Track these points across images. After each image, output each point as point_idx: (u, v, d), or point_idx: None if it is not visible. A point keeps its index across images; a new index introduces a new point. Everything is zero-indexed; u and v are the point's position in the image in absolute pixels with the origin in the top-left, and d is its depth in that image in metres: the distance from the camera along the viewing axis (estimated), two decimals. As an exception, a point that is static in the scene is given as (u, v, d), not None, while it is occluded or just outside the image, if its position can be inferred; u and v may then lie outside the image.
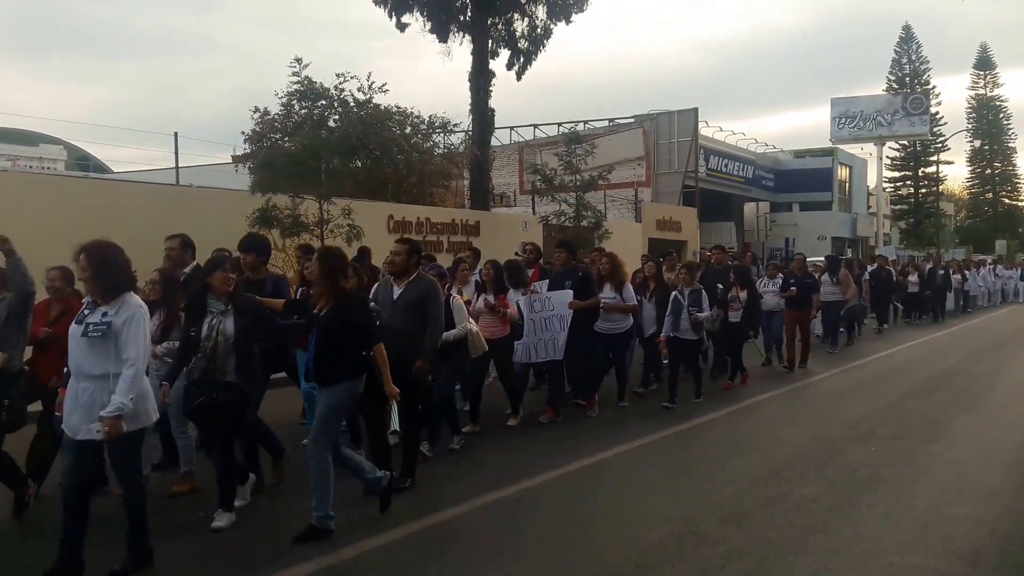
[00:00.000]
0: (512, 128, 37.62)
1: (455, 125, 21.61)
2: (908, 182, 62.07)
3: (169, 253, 7.46)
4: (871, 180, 56.27)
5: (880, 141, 52.93)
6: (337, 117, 15.46)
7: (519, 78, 25.02)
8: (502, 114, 28.69)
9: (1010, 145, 72.37)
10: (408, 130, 18.93)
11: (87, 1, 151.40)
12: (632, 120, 37.61)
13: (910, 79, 59.84)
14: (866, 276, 20.49)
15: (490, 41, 24.16)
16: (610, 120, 38.14)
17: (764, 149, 49.46)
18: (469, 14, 23.91)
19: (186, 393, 5.97)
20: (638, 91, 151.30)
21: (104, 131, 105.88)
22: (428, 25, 24.14)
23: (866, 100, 53.72)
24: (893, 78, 60.56)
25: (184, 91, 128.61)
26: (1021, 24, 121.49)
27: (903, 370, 14.29)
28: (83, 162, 33.26)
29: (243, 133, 15.44)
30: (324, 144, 14.21)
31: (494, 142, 28.85)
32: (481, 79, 23.71)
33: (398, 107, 18.78)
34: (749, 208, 48.52)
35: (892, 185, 62.00)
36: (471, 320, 8.56)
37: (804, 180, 50.33)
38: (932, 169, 60.12)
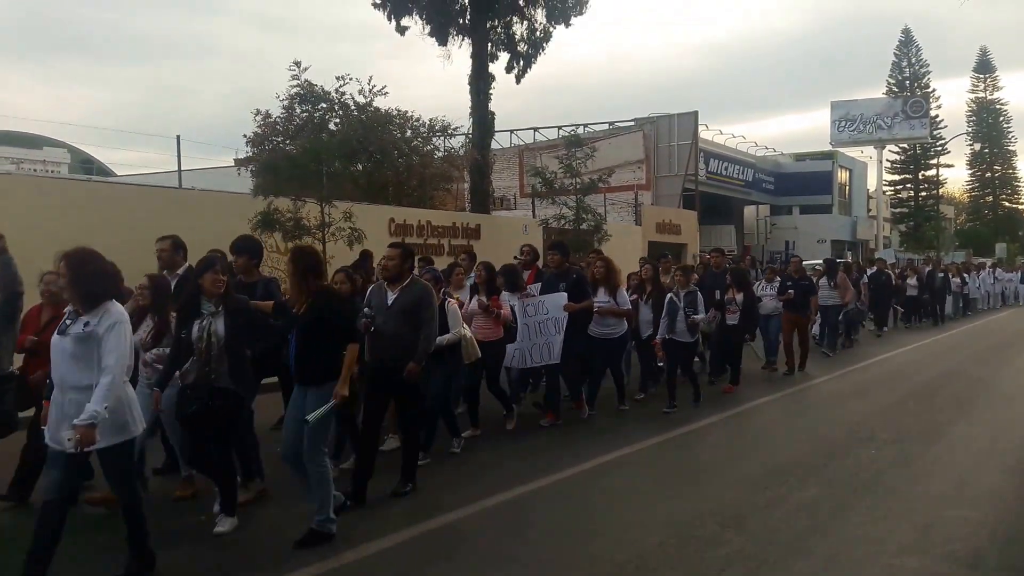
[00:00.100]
0: (512, 131, 37.67)
1: (455, 128, 21.72)
2: (908, 185, 62.03)
3: (160, 254, 7.39)
4: (871, 183, 56.28)
5: (880, 144, 52.93)
6: (338, 120, 15.51)
7: (518, 81, 25.12)
8: (502, 117, 28.85)
9: (1010, 148, 72.35)
10: (408, 133, 19.00)
11: (89, 4, 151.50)
12: (632, 123, 37.65)
13: (910, 82, 59.82)
14: (865, 279, 20.51)
15: (490, 44, 24.23)
16: (610, 123, 38.19)
17: (764, 152, 49.48)
18: (468, 17, 23.97)
19: (180, 398, 5.93)
20: (638, 94, 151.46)
21: (107, 134, 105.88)
22: (427, 28, 24.23)
23: (866, 103, 53.71)
24: (893, 81, 60.54)
25: (186, 94, 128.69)
26: (1021, 27, 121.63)
27: (903, 373, 14.31)
28: (87, 165, 33.34)
29: (245, 136, 15.51)
30: (325, 147, 14.25)
31: (494, 145, 28.89)
32: (481, 82, 23.77)
33: (399, 110, 18.85)
34: (749, 211, 48.55)
35: (892, 188, 61.96)
36: (465, 326, 8.53)
37: (804, 183, 50.34)
38: (932, 172, 60.06)
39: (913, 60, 60.48)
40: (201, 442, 6.04)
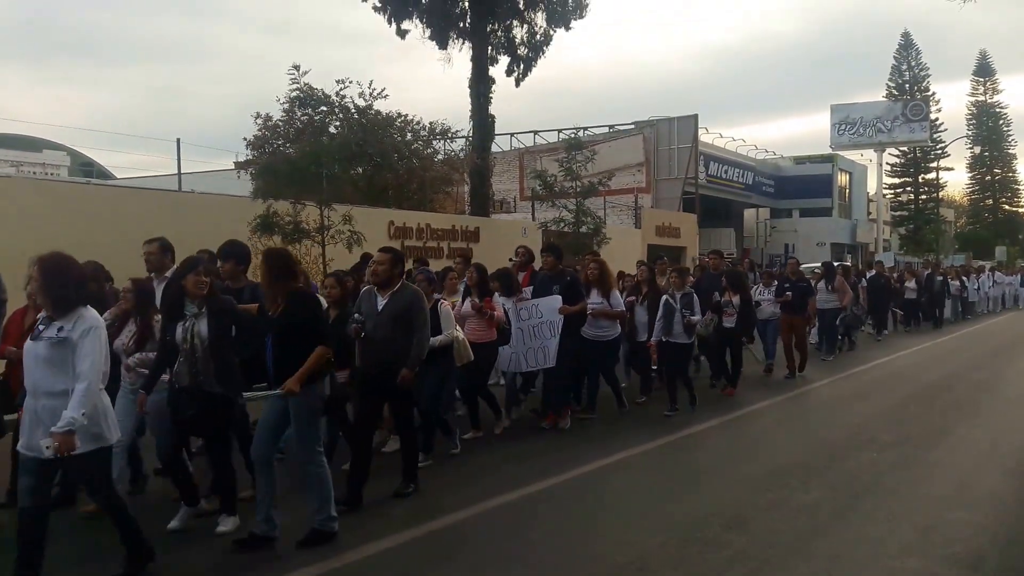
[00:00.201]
0: (512, 134, 37.77)
1: (455, 131, 21.76)
2: (908, 188, 62.03)
3: (148, 257, 7.23)
4: (871, 186, 56.35)
5: (880, 147, 53.01)
6: (338, 124, 15.52)
7: (518, 84, 25.19)
8: (502, 120, 28.82)
9: (1010, 151, 72.36)
10: (408, 136, 19.02)
11: (88, 7, 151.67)
12: (632, 126, 37.72)
13: (910, 86, 59.86)
14: (863, 283, 20.47)
15: (490, 48, 24.28)
16: (610, 126, 38.26)
17: (764, 155, 49.56)
18: (468, 21, 24.02)
19: (176, 400, 5.85)
20: (638, 97, 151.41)
21: (107, 137, 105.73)
22: (428, 32, 24.31)
23: (866, 107, 53.80)
24: (893, 85, 60.58)
25: (186, 97, 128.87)
26: (1020, 31, 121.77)
27: (903, 377, 14.30)
28: (86, 168, 33.29)
29: (245, 139, 15.51)
30: (325, 151, 14.26)
31: (494, 148, 28.94)
32: (481, 85, 23.81)
33: (399, 113, 18.87)
34: (749, 214, 48.64)
35: (892, 191, 61.98)
36: (458, 328, 8.47)
37: (804, 186, 50.43)
38: (932, 175, 60.10)
39: (913, 63, 60.53)
40: (181, 445, 6.04)
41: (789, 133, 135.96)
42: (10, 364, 6.60)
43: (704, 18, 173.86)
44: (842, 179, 53.89)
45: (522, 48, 24.89)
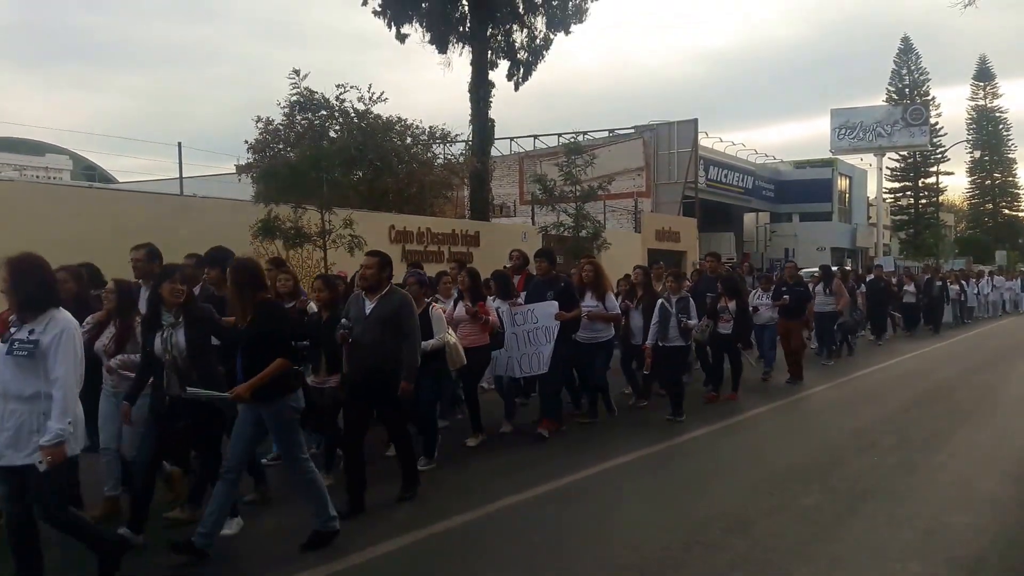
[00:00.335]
0: (512, 139, 37.80)
1: (455, 136, 21.78)
2: (908, 193, 62.18)
3: (135, 264, 7.16)
4: (871, 191, 56.43)
5: (880, 152, 53.11)
6: (338, 128, 15.55)
7: (518, 88, 25.23)
8: (502, 125, 28.87)
9: (1010, 156, 72.59)
10: (409, 140, 19.06)
11: (90, 11, 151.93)
12: (632, 131, 37.73)
13: (910, 90, 60.01)
14: (862, 288, 20.46)
15: (490, 52, 24.30)
16: (610, 131, 38.27)
17: (764, 160, 49.61)
18: (468, 25, 24.06)
19: (165, 408, 5.77)
20: (638, 102, 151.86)
21: (109, 141, 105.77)
22: (428, 36, 24.34)
23: (866, 111, 53.92)
24: (893, 89, 60.74)
25: (187, 101, 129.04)
26: (1020, 35, 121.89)
27: (903, 381, 14.30)
28: (89, 172, 33.34)
29: (246, 142, 15.54)
30: (325, 155, 14.27)
31: (494, 152, 28.98)
32: (481, 90, 23.83)
33: (399, 118, 18.92)
34: (749, 218, 48.68)
35: (892, 196, 62.12)
36: (451, 331, 8.43)
37: (804, 191, 50.46)
38: (932, 180, 60.26)
39: (913, 68, 60.72)
40: (159, 461, 5.94)
41: (789, 137, 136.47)
42: None
43: (704, 20, 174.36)
44: (842, 183, 53.93)
45: (522, 52, 24.91)
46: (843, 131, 53.02)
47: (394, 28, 24.14)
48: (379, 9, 24.01)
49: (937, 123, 58.56)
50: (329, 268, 13.09)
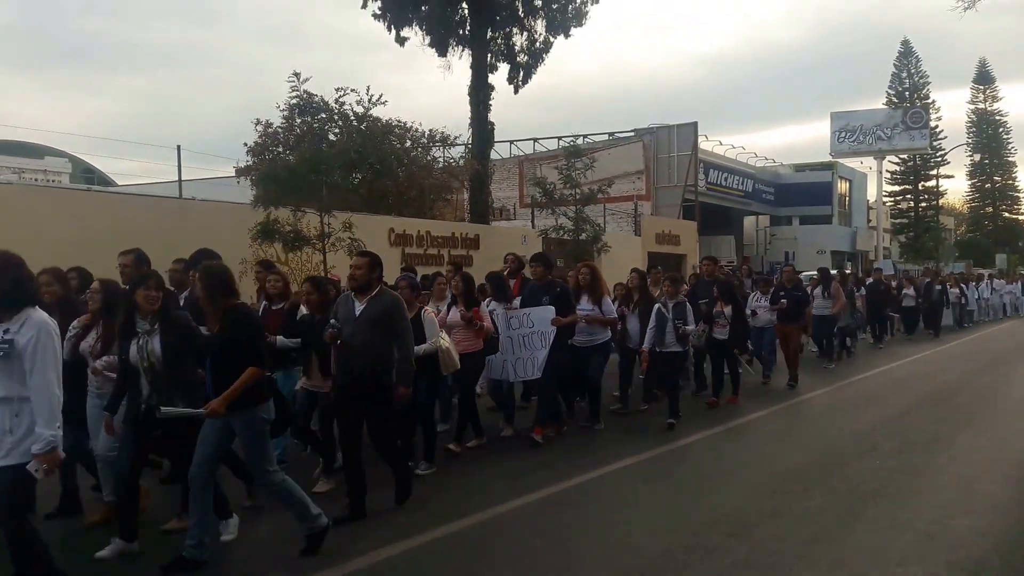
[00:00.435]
0: (512, 142, 37.80)
1: (455, 138, 21.80)
2: (908, 196, 62.18)
3: (123, 269, 7.10)
4: (871, 194, 56.46)
5: (880, 155, 53.13)
6: (337, 131, 15.54)
7: (517, 92, 25.26)
8: (502, 128, 28.94)
9: (1010, 159, 72.54)
10: (408, 144, 19.07)
11: (89, 13, 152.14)
12: (632, 134, 37.75)
13: (910, 93, 60.03)
14: (861, 291, 20.43)
15: (489, 55, 24.33)
16: (610, 134, 38.32)
17: (764, 163, 49.64)
18: (468, 28, 24.09)
19: (145, 417, 5.64)
20: (638, 105, 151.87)
21: (108, 144, 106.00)
22: (427, 39, 24.36)
23: (866, 114, 53.95)
24: (893, 92, 60.77)
25: (187, 103, 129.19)
26: (1020, 39, 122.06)
27: (904, 385, 14.28)
28: (88, 175, 33.37)
29: (245, 145, 15.54)
30: (324, 158, 14.27)
31: (494, 156, 28.98)
32: (480, 93, 23.86)
33: (399, 121, 18.93)
34: (749, 222, 48.70)
35: (892, 199, 62.12)
36: (444, 335, 8.31)
37: (804, 194, 50.48)
38: (932, 183, 60.29)
39: (913, 71, 60.72)
40: (140, 468, 5.83)
41: (789, 140, 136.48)
42: None
43: (704, 21, 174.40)
44: (842, 187, 53.96)
45: (522, 55, 24.94)
46: (843, 134, 53.06)
47: (394, 31, 24.19)
48: (379, 12, 24.05)
49: (937, 126, 58.66)
50: (329, 271, 13.08)
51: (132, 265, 7.01)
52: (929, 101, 59.06)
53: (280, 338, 7.71)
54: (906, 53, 60.97)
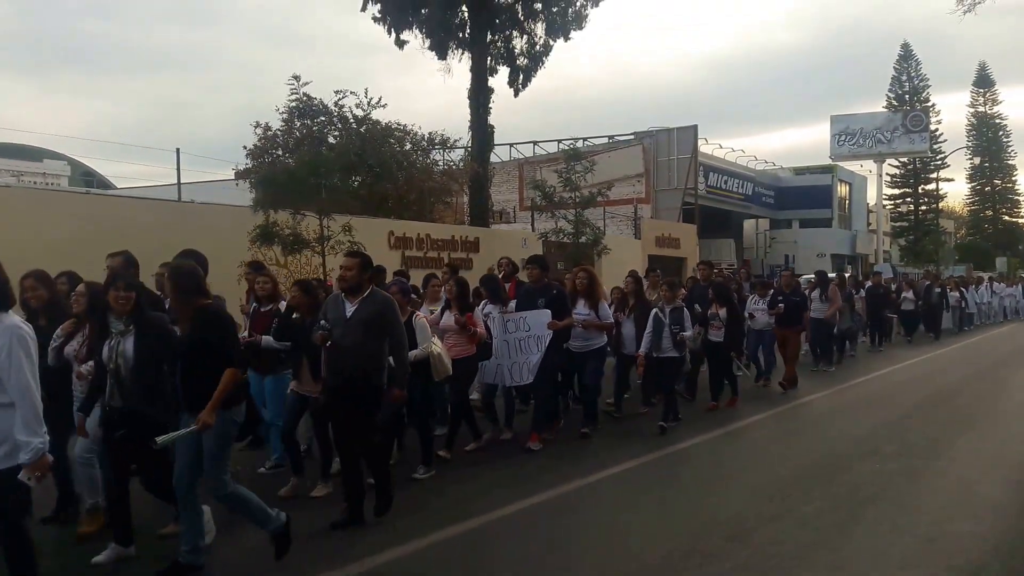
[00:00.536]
0: (512, 145, 37.79)
1: (455, 141, 21.79)
2: (908, 199, 62.13)
3: (111, 271, 6.78)
4: (871, 197, 56.47)
5: (880, 158, 53.14)
6: (337, 134, 15.52)
7: (517, 95, 25.25)
8: (501, 131, 28.91)
9: (1010, 162, 72.62)
10: (408, 147, 19.04)
11: (89, 16, 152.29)
12: (632, 137, 37.76)
13: (910, 96, 60.00)
14: (860, 293, 20.40)
15: (489, 58, 24.33)
16: (610, 137, 38.31)
17: (764, 166, 49.62)
18: (468, 31, 24.09)
19: (106, 420, 5.60)
20: (637, 108, 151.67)
21: (107, 147, 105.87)
22: (427, 42, 24.34)
23: (866, 117, 53.95)
24: (893, 95, 60.73)
25: (186, 106, 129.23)
26: (1020, 42, 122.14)
27: (904, 388, 14.27)
28: (87, 178, 33.39)
29: (245, 147, 15.51)
30: (324, 161, 14.24)
31: (493, 159, 28.95)
32: (480, 96, 23.85)
33: (398, 124, 18.91)
34: (749, 225, 48.68)
35: (892, 202, 62.08)
36: (437, 341, 8.24)
37: (804, 197, 50.49)
38: (932, 186, 60.20)
39: (913, 74, 60.70)
40: (126, 472, 5.68)
41: (789, 144, 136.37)
42: None
43: (704, 22, 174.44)
44: (842, 190, 53.97)
45: (521, 58, 24.94)
46: (843, 137, 53.07)
47: (394, 34, 24.19)
48: (379, 15, 24.06)
49: (937, 129, 58.60)
50: (328, 274, 13.06)
51: (121, 267, 6.89)
52: (929, 104, 59.06)
53: (266, 338, 7.68)
54: (906, 56, 60.99)
